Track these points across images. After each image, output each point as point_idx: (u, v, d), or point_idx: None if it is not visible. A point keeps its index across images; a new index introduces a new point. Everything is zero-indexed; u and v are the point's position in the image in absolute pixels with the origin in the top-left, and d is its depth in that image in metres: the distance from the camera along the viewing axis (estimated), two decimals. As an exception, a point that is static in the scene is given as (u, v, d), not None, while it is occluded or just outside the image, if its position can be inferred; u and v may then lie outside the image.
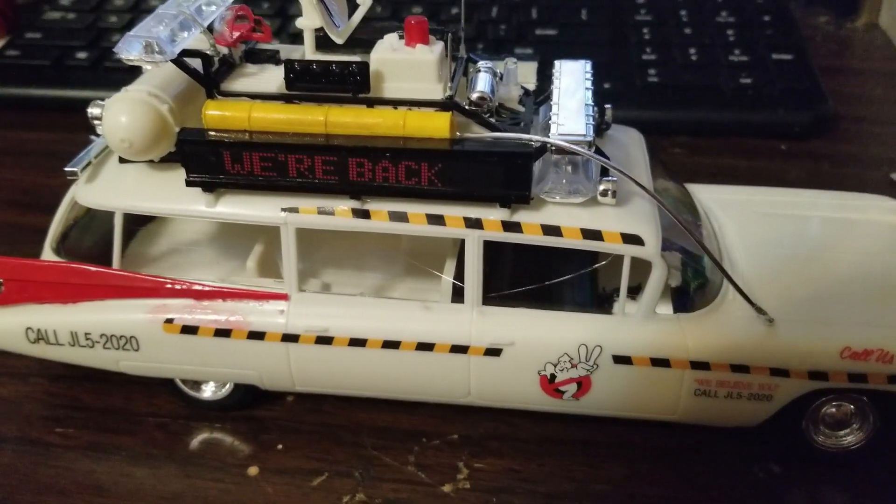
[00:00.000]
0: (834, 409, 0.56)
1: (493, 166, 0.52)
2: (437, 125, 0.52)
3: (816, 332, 0.54)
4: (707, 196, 0.66)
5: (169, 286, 0.57)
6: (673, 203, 0.62)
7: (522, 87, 0.60)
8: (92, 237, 0.63)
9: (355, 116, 0.53)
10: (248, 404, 0.62)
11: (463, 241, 0.54)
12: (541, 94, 0.60)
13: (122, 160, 0.58)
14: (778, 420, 0.56)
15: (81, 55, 1.01)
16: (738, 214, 0.64)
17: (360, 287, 0.60)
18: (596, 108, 0.58)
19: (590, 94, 0.57)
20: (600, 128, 0.61)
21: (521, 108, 0.58)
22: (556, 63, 0.60)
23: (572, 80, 0.58)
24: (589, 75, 0.59)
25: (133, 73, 0.98)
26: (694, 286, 0.56)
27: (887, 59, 1.11)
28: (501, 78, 0.58)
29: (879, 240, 0.62)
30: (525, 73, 0.62)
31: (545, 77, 0.61)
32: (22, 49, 1.02)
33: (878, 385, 0.53)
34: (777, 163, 0.90)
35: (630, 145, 0.62)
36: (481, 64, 0.57)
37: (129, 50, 0.53)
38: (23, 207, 0.85)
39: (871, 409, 0.55)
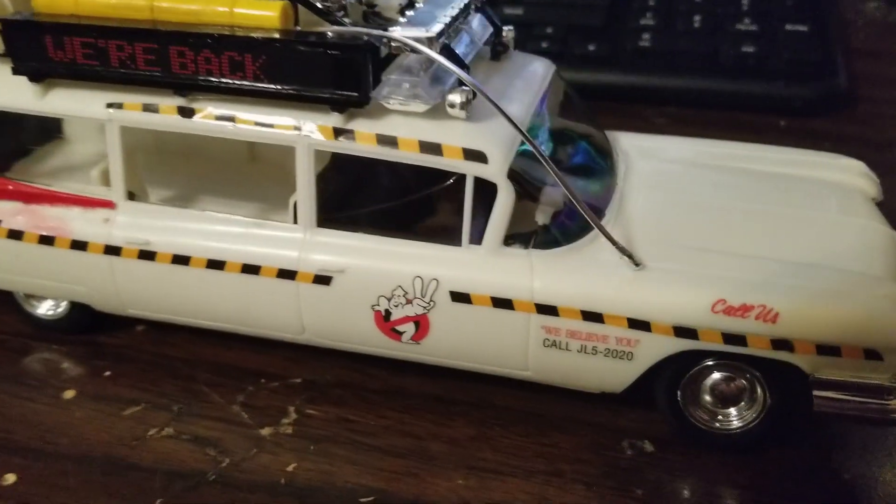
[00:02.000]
0: (721, 381, 0.47)
1: (321, 61, 0.45)
2: (267, 15, 0.46)
3: (687, 279, 0.45)
4: (634, 143, 0.58)
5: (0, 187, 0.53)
6: (582, 146, 0.55)
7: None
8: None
9: (181, 2, 0.47)
10: (90, 328, 0.57)
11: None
12: (426, 7, 0.53)
13: (-25, 53, 0.54)
14: (654, 390, 0.47)
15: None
16: (659, 162, 0.56)
17: (208, 204, 0.54)
18: (485, 26, 0.52)
19: (462, 2, 0.50)
20: (495, 50, 0.54)
21: (399, 19, 0.51)
22: (449, -24, 0.54)
23: (456, -6, 0.51)
24: (477, -9, 0.52)
25: None
26: (565, 228, 0.48)
27: (938, 48, 0.99)
28: (383, -16, 0.52)
29: (818, 197, 0.53)
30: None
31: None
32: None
33: (760, 350, 0.44)
34: (770, 139, 0.78)
35: (529, 73, 0.55)
36: (355, -34, 0.51)
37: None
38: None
39: (760, 384, 0.46)
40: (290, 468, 0.48)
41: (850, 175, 0.56)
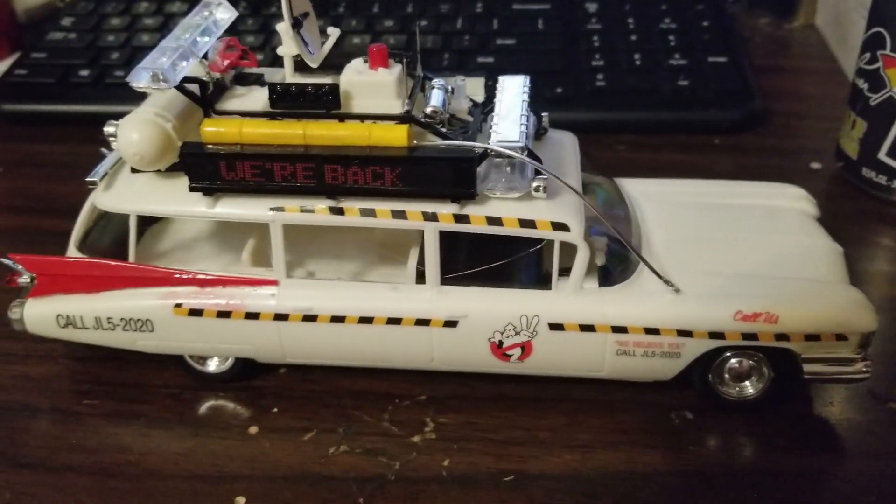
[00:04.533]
0: (737, 364, 0.67)
1: (443, 169, 0.63)
2: (396, 136, 0.63)
3: (714, 299, 0.65)
4: (633, 188, 0.77)
5: (177, 276, 0.68)
6: (604, 196, 0.74)
7: (471, 100, 0.70)
8: (108, 236, 0.73)
9: (329, 129, 0.63)
10: (247, 376, 0.72)
11: (423, 232, 0.65)
12: (487, 106, 0.70)
13: (133, 170, 0.68)
14: (689, 374, 0.67)
15: (84, 73, 1.11)
16: (658, 203, 0.75)
17: (338, 273, 0.71)
18: (532, 117, 0.69)
19: (525, 105, 0.67)
20: (538, 133, 0.72)
21: (470, 118, 0.68)
22: (500, 78, 0.71)
23: (512, 94, 0.69)
24: (526, 89, 0.69)
25: (129, 88, 1.10)
26: (616, 265, 0.67)
27: (820, 57, 1.21)
28: (453, 92, 0.69)
29: (778, 221, 0.73)
30: (474, 88, 0.72)
31: (491, 90, 0.71)
32: (29, 68, 1.12)
33: (768, 342, 0.64)
34: (709, 156, 1.00)
35: (564, 147, 0.73)
36: (435, 81, 0.68)
37: (138, 79, 0.63)
38: (37, 212, 0.95)
39: (766, 363, 0.67)
40: (445, 463, 0.65)
41: (797, 201, 0.76)
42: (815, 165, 0.98)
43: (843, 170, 0.94)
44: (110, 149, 0.72)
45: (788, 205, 0.76)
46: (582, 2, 1.21)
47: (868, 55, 0.88)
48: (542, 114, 0.73)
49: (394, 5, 1.21)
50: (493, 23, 1.16)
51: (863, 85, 0.89)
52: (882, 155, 0.88)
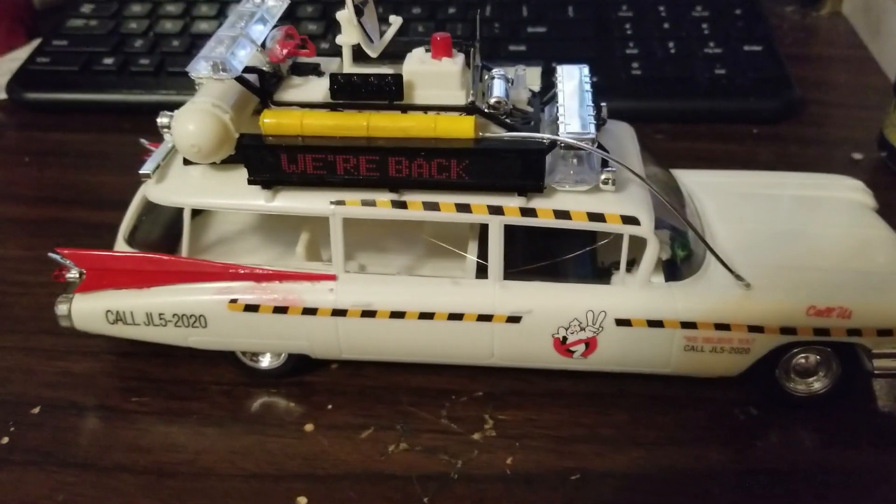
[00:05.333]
0: (803, 360, 0.66)
1: (511, 161, 0.61)
2: (463, 127, 0.61)
3: (785, 293, 0.63)
4: (689, 179, 0.76)
5: (233, 271, 0.66)
6: (661, 187, 0.72)
7: (530, 90, 0.69)
8: (156, 230, 0.71)
9: (393, 121, 0.62)
10: (299, 372, 0.71)
11: (485, 225, 0.64)
12: (545, 96, 0.69)
13: (185, 162, 0.66)
14: (755, 370, 0.66)
15: (107, 61, 1.08)
16: (717, 195, 0.74)
17: (388, 266, 0.70)
18: (595, 107, 0.67)
19: (589, 95, 0.66)
20: (598, 123, 0.71)
21: (530, 109, 0.67)
22: (558, 68, 0.69)
23: (573, 83, 0.67)
24: (587, 78, 0.68)
25: (157, 77, 1.07)
26: (681, 259, 0.66)
27: (850, 45, 1.20)
28: (512, 83, 0.67)
29: (840, 213, 0.72)
30: (531, 77, 0.71)
31: (548, 80, 0.70)
32: (51, 56, 1.10)
33: (839, 337, 0.63)
34: (749, 146, 0.99)
35: (623, 137, 0.72)
36: (495, 71, 0.66)
37: (198, 69, 0.61)
38: (65, 203, 0.93)
39: (834, 358, 0.66)
40: (508, 461, 0.64)
41: (854, 192, 0.75)
42: (857, 155, 0.97)
43: (887, 159, 0.93)
44: (158, 139, 0.70)
45: (846, 196, 0.75)
46: (611, -11, 1.19)
47: (917, 44, 0.87)
48: (602, 104, 0.71)
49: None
50: (522, 10, 1.15)
51: (910, 75, 0.88)
52: (930, 145, 0.87)
